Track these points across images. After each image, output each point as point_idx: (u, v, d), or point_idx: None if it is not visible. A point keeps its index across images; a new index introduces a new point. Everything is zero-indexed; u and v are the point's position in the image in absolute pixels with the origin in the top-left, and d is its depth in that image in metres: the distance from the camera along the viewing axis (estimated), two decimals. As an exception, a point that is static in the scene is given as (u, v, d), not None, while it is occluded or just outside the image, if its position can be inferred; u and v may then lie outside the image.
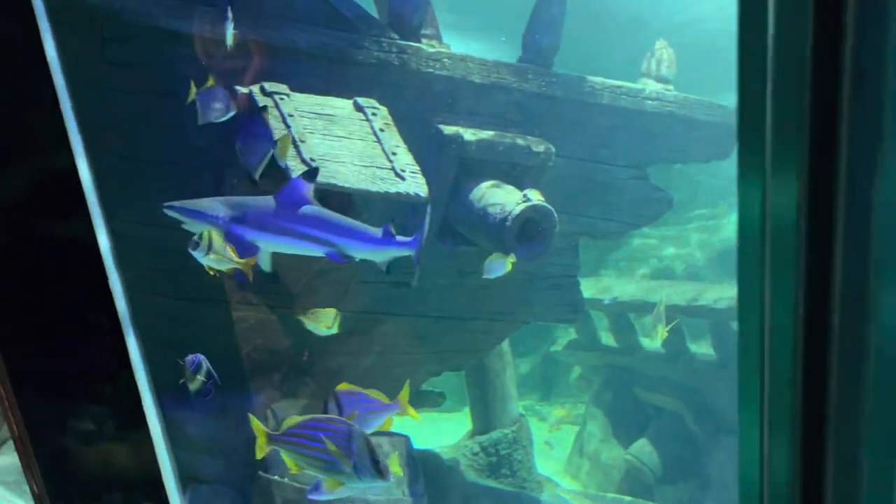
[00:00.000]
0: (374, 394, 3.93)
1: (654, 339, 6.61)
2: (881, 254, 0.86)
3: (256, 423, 3.61)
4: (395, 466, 3.65)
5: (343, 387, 3.93)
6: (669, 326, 6.61)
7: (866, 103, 0.87)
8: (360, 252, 4.23)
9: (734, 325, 7.82)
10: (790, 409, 0.92)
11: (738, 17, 0.95)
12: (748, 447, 0.97)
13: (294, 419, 3.57)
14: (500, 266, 5.08)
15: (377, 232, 4.25)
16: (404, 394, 3.91)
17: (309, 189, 4.09)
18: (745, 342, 0.91)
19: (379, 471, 3.36)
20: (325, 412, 3.85)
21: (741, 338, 0.95)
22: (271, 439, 3.52)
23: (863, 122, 0.87)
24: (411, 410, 3.92)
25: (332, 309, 5.00)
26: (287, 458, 3.51)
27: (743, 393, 0.95)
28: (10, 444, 4.49)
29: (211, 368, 4.26)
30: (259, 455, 3.59)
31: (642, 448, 8.20)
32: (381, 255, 4.31)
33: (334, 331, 5.05)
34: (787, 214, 0.89)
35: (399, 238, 4.29)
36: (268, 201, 4.08)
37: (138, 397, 2.74)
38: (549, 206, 5.20)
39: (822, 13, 0.85)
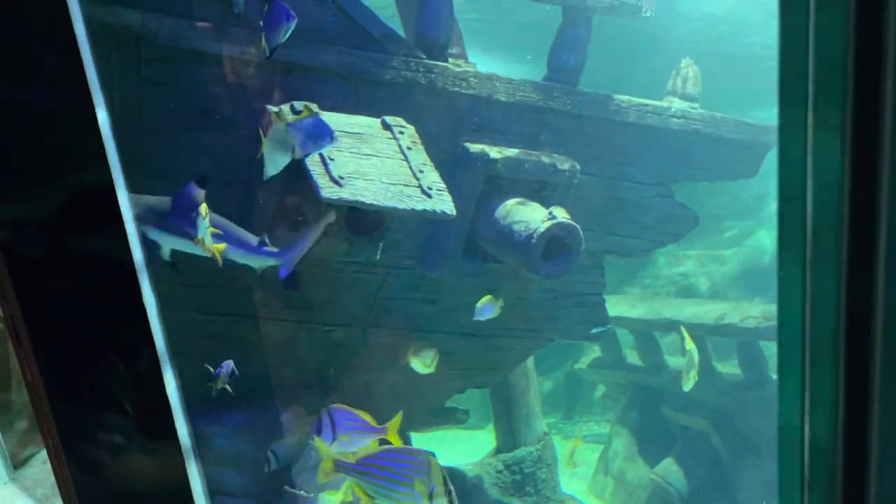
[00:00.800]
0: (364, 415, 4.06)
1: (685, 384, 6.55)
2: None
3: (325, 449, 3.65)
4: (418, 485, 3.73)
5: (337, 405, 4.08)
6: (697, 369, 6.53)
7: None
8: (235, 256, 4.46)
9: (761, 345, 7.75)
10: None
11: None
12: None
13: (370, 448, 3.62)
14: (490, 309, 5.18)
15: (254, 240, 4.46)
16: (394, 422, 4.02)
17: (201, 194, 4.29)
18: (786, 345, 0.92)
19: (451, 502, 3.39)
20: (319, 428, 3.97)
21: (781, 337, 0.96)
22: (341, 467, 3.54)
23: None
24: (396, 438, 4.01)
25: (432, 349, 5.29)
26: (357, 488, 3.53)
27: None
28: (39, 457, 4.56)
29: (234, 367, 4.48)
30: (321, 480, 3.63)
31: (668, 468, 8.11)
32: (255, 262, 4.52)
33: (432, 370, 5.37)
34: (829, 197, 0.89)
35: (268, 248, 4.51)
36: (168, 203, 4.30)
37: (169, 411, 2.79)
38: (575, 224, 5.21)
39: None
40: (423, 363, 5.34)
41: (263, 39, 4.14)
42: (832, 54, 0.90)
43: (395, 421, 4.00)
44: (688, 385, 6.46)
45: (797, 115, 0.93)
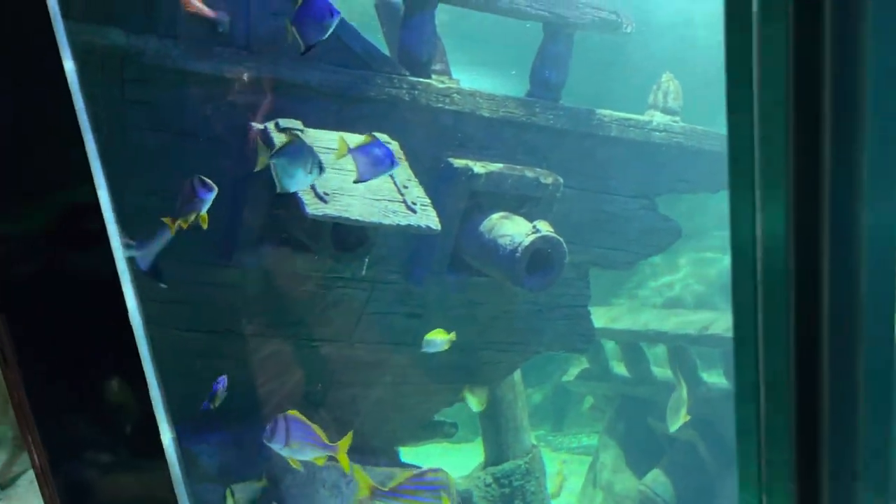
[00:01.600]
0: (317, 430, 4.20)
1: (673, 424, 6.64)
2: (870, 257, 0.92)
3: (362, 476, 3.91)
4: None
5: (294, 414, 4.22)
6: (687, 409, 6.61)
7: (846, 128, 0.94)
8: None
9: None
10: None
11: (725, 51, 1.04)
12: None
13: (402, 476, 4.02)
14: (439, 343, 5.23)
15: None
16: (345, 441, 4.19)
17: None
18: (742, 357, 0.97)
19: None
20: (273, 432, 4.15)
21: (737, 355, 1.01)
22: (378, 495, 3.84)
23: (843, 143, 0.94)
24: (344, 459, 4.19)
25: (485, 388, 5.74)
26: None
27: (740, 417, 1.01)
28: (26, 477, 4.54)
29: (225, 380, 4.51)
30: None
31: (656, 478, 8.15)
32: None
33: (480, 409, 5.95)
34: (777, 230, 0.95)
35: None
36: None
37: (156, 429, 2.80)
38: (559, 237, 5.26)
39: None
40: (477, 401, 5.83)
41: (297, 34, 4.02)
42: (775, 65, 0.96)
43: (346, 440, 4.17)
44: (675, 426, 6.55)
45: (744, 121, 0.99)
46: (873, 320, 0.86)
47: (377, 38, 5.76)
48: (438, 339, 5.24)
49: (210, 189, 4.17)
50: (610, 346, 9.24)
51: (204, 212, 4.20)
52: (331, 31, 4.02)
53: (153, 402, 2.88)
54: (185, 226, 4.23)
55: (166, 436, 2.95)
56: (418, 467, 5.65)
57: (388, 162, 4.35)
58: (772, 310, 0.88)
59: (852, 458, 0.89)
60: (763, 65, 0.96)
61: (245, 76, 4.60)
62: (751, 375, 0.91)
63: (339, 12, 3.96)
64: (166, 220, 4.21)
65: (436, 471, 4.16)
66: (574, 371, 9.91)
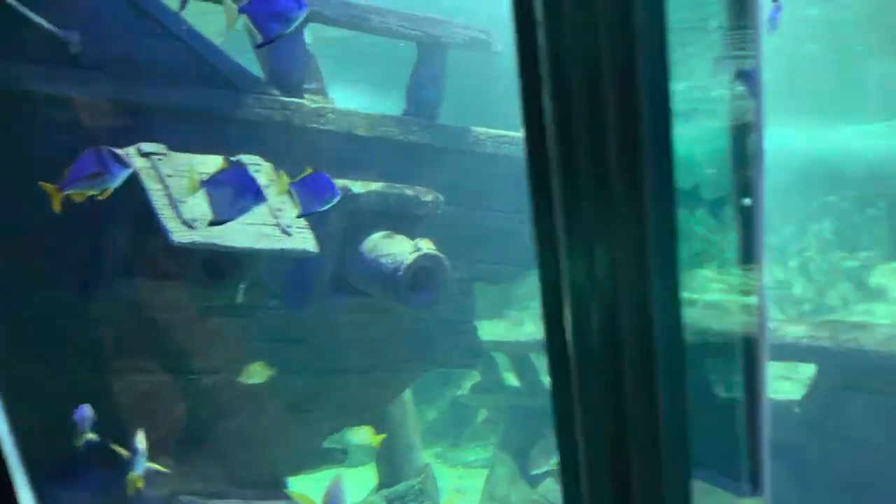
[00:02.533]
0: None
1: (535, 469, 6.88)
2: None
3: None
4: None
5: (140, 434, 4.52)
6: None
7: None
8: None
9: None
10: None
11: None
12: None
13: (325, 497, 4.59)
14: (256, 373, 5.17)
15: None
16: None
17: None
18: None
19: None
20: (134, 451, 4.46)
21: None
22: None
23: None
24: (138, 481, 4.54)
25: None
26: None
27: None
28: None
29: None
30: None
31: (549, 487, 8.26)
32: None
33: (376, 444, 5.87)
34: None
35: None
36: None
37: (8, 478, 2.58)
38: (440, 255, 5.28)
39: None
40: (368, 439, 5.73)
41: (252, 26, 3.70)
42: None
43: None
44: (536, 471, 6.81)
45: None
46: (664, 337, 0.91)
47: (248, 59, 5.62)
48: (256, 369, 5.09)
49: (124, 165, 3.73)
50: (502, 358, 9.34)
51: (111, 189, 3.75)
52: (296, 24, 3.77)
53: (5, 454, 2.65)
54: (81, 198, 3.77)
55: (23, 489, 2.72)
56: (305, 496, 5.50)
57: (328, 194, 4.24)
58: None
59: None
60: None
61: (100, 98, 4.37)
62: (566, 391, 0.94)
63: (307, 5, 3.73)
64: (47, 186, 3.73)
65: (334, 479, 4.72)
66: (468, 385, 9.96)
